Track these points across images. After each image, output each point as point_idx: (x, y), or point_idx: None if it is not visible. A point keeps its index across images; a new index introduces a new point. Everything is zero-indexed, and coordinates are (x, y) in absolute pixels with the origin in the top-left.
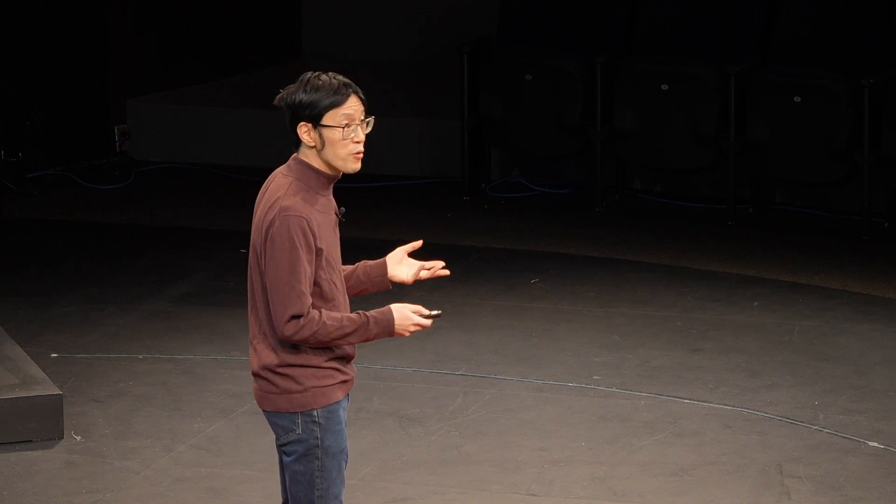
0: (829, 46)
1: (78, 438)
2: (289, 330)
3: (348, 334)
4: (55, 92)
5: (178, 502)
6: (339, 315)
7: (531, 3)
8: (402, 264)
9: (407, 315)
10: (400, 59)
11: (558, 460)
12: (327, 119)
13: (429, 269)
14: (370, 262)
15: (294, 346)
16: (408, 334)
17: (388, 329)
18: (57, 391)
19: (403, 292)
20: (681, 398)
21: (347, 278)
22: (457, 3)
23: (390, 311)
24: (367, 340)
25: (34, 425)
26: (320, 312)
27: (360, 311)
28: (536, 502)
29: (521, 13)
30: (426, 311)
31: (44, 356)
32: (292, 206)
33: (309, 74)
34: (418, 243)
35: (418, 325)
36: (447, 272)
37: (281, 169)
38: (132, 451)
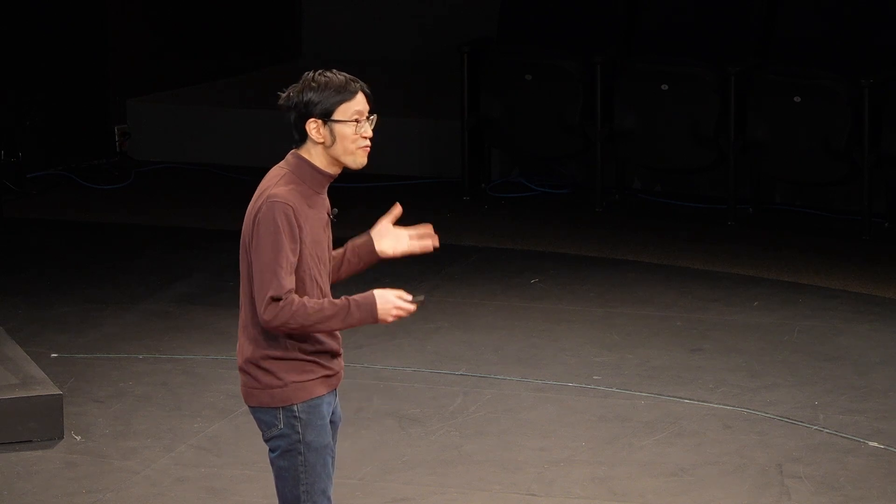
0: (829, 46)
1: (78, 438)
2: (268, 313)
3: (329, 317)
4: (55, 91)
5: (178, 502)
6: (321, 299)
7: (531, 3)
8: (386, 236)
9: (389, 299)
10: (400, 59)
11: (558, 460)
12: (338, 114)
13: (417, 238)
14: (357, 241)
15: (274, 337)
16: (391, 319)
17: (370, 313)
18: (57, 391)
19: (400, 280)
20: (681, 398)
21: (339, 264)
22: (457, 3)
23: (373, 296)
24: (349, 326)
25: (34, 425)
26: (301, 297)
27: (343, 296)
28: (536, 502)
29: (521, 13)
30: (409, 297)
31: (44, 356)
32: (279, 193)
33: (312, 73)
34: (398, 209)
35: (401, 309)
36: (436, 241)
37: (279, 164)
38: (132, 451)
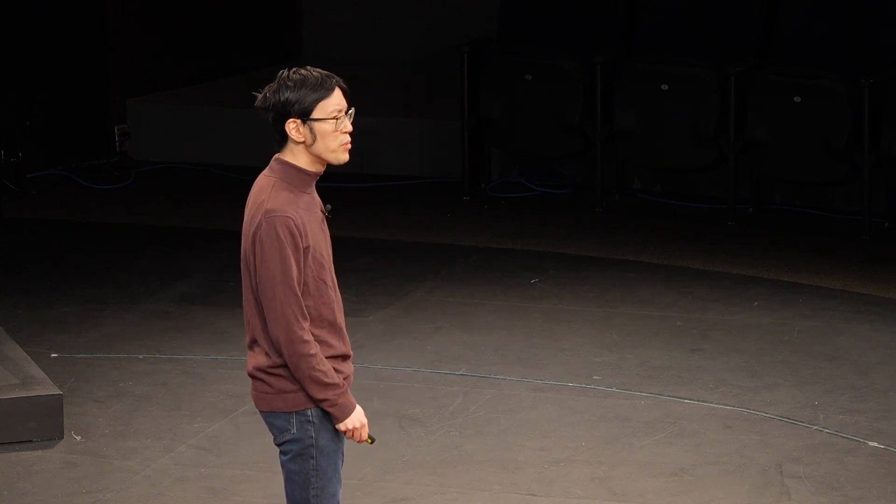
0: (829, 46)
1: (78, 438)
2: (282, 329)
3: (320, 383)
4: (55, 91)
5: (178, 502)
6: (329, 366)
7: (531, 3)
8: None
9: (361, 420)
10: (400, 59)
11: (558, 460)
12: (317, 112)
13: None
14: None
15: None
16: (343, 429)
17: (346, 410)
18: (57, 391)
19: (400, 278)
20: (681, 398)
21: None
22: (457, 3)
23: (355, 405)
24: (323, 402)
25: (34, 425)
26: (318, 348)
27: (343, 380)
28: (536, 502)
29: (521, 13)
30: (368, 434)
31: (44, 356)
32: (277, 207)
33: (287, 71)
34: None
35: (358, 432)
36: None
37: (264, 172)
38: (132, 451)
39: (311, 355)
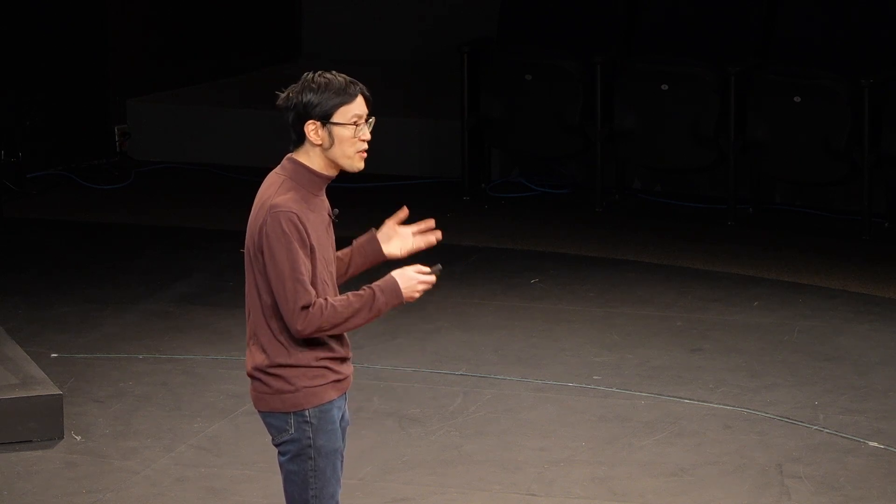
0: (829, 46)
1: (78, 438)
2: (300, 323)
3: (358, 310)
4: (55, 91)
5: (178, 502)
6: (344, 295)
7: (531, 3)
8: (393, 238)
9: (410, 276)
10: (400, 59)
11: (558, 460)
12: (337, 117)
13: (421, 234)
14: (361, 240)
15: (285, 345)
16: (417, 295)
17: (395, 296)
18: (57, 391)
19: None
20: (681, 398)
21: (346, 265)
22: (457, 3)
23: (393, 278)
24: (379, 314)
25: (34, 425)
26: (325, 298)
27: (364, 286)
28: (536, 502)
29: (521, 13)
30: (427, 269)
31: (44, 356)
32: (281, 203)
33: (312, 74)
34: (404, 212)
35: (424, 283)
36: (438, 234)
37: (275, 169)
38: (132, 451)
39: (327, 313)
